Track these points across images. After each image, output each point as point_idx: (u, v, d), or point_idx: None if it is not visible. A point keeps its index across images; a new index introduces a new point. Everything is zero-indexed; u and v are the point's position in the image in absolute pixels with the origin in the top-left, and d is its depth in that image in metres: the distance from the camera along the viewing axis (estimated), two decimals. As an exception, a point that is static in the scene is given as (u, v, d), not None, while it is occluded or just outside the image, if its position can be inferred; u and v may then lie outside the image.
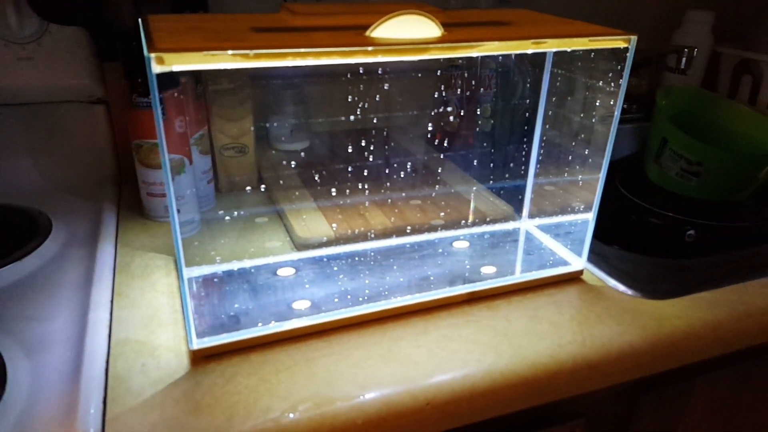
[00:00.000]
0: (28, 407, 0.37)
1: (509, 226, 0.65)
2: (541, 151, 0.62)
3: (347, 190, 0.64)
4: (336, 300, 0.49)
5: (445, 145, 0.79)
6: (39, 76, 0.65)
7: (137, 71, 0.58)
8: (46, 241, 0.56)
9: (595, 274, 0.57)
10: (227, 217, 0.62)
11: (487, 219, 0.65)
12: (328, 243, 0.59)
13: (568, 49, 0.46)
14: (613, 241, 0.65)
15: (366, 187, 0.65)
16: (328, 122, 0.80)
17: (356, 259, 0.57)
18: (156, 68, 0.32)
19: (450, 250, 0.59)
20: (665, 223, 0.78)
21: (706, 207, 0.80)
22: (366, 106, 0.60)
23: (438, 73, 0.79)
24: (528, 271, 0.54)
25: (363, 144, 0.62)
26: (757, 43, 1.00)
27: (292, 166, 0.73)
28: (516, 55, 0.76)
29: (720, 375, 0.57)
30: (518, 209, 0.65)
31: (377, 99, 0.61)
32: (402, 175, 0.69)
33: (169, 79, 0.55)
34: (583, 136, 0.62)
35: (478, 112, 0.78)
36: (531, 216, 0.65)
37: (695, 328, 0.50)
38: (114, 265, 0.54)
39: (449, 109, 0.79)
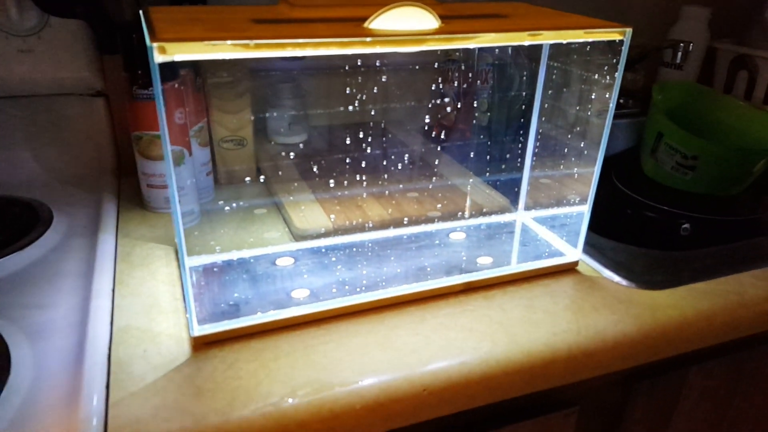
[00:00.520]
0: (32, 391, 0.38)
1: (505, 218, 0.66)
2: (537, 144, 0.62)
3: (345, 182, 0.65)
4: (334, 289, 0.50)
5: (442, 137, 0.79)
6: (39, 69, 0.65)
7: (137, 63, 0.58)
8: (47, 232, 0.56)
9: (590, 265, 0.57)
10: (227, 208, 0.63)
11: (484, 211, 0.66)
12: (326, 234, 0.59)
13: (564, 42, 0.46)
14: (608, 234, 0.65)
15: (363, 179, 0.65)
16: (326, 115, 0.81)
17: (354, 249, 0.58)
18: (158, 58, 0.32)
19: (446, 242, 0.60)
20: (660, 216, 0.79)
21: (702, 201, 0.80)
22: (364, 99, 0.61)
23: (435, 66, 0.79)
24: (523, 262, 0.55)
25: (360, 137, 0.63)
26: (753, 39, 1.00)
27: (291, 157, 0.73)
28: (512, 48, 0.76)
29: (714, 364, 0.57)
30: (514, 202, 0.66)
31: (375, 92, 0.62)
32: (399, 168, 0.70)
33: (169, 71, 0.56)
34: (578, 129, 0.63)
35: (475, 105, 0.78)
36: (527, 208, 0.65)
37: (689, 317, 0.50)
38: (115, 255, 0.55)
39: (446, 101, 0.79)
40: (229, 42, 0.34)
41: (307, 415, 0.39)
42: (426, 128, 0.81)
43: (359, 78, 0.61)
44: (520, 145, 0.63)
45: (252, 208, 0.65)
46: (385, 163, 0.67)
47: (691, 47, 0.90)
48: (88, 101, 0.70)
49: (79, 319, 0.45)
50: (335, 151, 0.73)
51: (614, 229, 0.73)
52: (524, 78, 0.76)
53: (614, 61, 0.50)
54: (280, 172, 0.70)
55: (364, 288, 0.50)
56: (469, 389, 0.43)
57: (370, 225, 0.61)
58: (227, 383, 0.40)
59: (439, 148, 0.78)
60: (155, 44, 0.32)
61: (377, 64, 0.64)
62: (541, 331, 0.47)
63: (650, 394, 0.56)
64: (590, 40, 0.47)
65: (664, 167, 0.82)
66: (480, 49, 0.78)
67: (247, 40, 0.34)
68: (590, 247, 0.61)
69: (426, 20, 0.42)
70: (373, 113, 0.68)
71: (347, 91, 0.62)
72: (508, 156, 0.68)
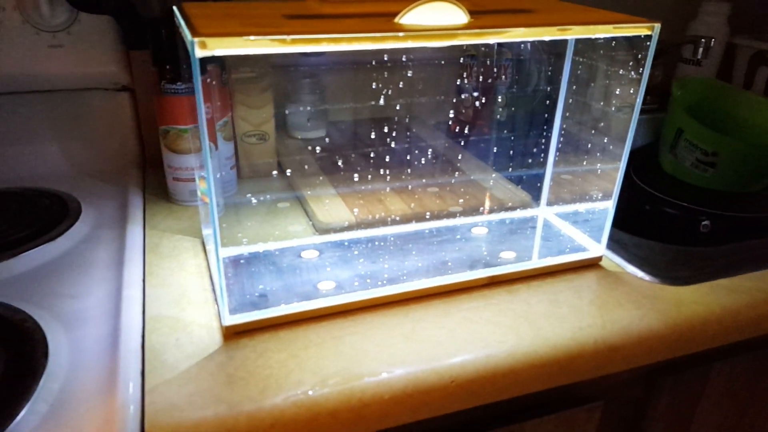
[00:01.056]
0: (70, 378, 0.39)
1: (527, 213, 0.66)
2: (561, 140, 0.63)
3: (368, 176, 0.65)
4: (358, 282, 0.51)
5: (464, 132, 0.80)
6: (68, 64, 0.66)
7: (166, 58, 0.59)
8: (76, 223, 0.57)
9: (614, 261, 0.57)
10: (254, 200, 0.63)
11: (506, 206, 0.66)
12: (349, 228, 0.60)
13: (591, 36, 0.47)
14: (628, 230, 0.65)
15: (386, 173, 0.66)
16: (347, 110, 0.81)
17: (377, 243, 0.58)
18: (199, 53, 0.33)
19: (468, 236, 0.60)
20: (680, 213, 0.79)
21: (721, 198, 0.80)
22: (387, 93, 0.61)
23: (461, 61, 0.79)
24: (546, 257, 0.55)
25: (382, 132, 0.63)
26: (773, 35, 0.99)
27: (316, 151, 0.74)
28: (532, 43, 0.76)
29: (737, 361, 0.57)
30: (536, 197, 0.66)
31: (399, 87, 0.62)
32: (421, 163, 0.70)
33: (202, 66, 0.56)
34: (602, 124, 0.63)
35: (499, 100, 0.78)
36: (549, 204, 0.66)
37: (715, 313, 0.51)
38: (143, 246, 0.56)
39: (467, 97, 0.79)
40: (268, 38, 0.34)
41: (338, 404, 0.39)
42: (448, 124, 0.82)
43: (385, 72, 0.61)
44: (542, 141, 0.64)
45: (275, 201, 0.66)
46: (407, 158, 0.68)
47: (712, 42, 0.89)
48: (114, 96, 0.71)
49: (111, 308, 0.46)
50: (357, 146, 0.73)
51: (633, 225, 0.73)
52: (543, 73, 0.76)
53: (639, 56, 0.50)
54: (306, 167, 0.70)
55: (387, 281, 0.51)
56: (496, 382, 0.44)
57: (396, 218, 0.62)
58: (258, 372, 0.40)
59: (461, 143, 0.79)
60: (196, 39, 0.33)
61: (403, 58, 0.65)
62: (566, 326, 0.47)
63: (673, 389, 0.56)
64: (615, 35, 0.47)
65: (684, 163, 0.82)
66: (499, 44, 0.78)
67: (285, 36, 0.35)
68: (612, 242, 0.61)
69: (456, 15, 0.42)
70: (397, 108, 0.69)
71: (369, 86, 0.62)
72: (530, 151, 0.68)
